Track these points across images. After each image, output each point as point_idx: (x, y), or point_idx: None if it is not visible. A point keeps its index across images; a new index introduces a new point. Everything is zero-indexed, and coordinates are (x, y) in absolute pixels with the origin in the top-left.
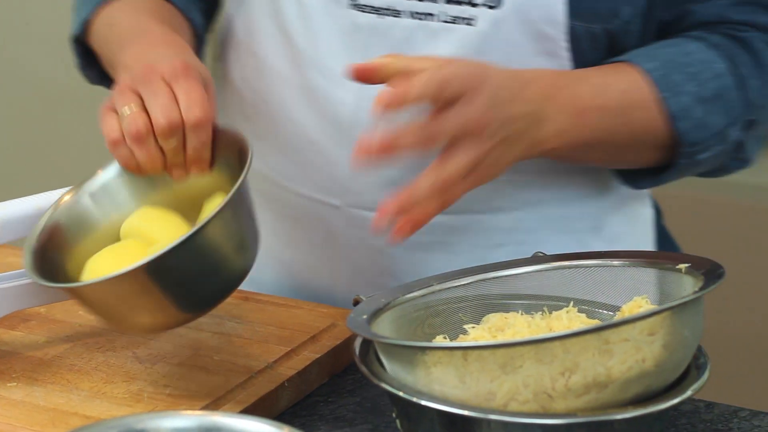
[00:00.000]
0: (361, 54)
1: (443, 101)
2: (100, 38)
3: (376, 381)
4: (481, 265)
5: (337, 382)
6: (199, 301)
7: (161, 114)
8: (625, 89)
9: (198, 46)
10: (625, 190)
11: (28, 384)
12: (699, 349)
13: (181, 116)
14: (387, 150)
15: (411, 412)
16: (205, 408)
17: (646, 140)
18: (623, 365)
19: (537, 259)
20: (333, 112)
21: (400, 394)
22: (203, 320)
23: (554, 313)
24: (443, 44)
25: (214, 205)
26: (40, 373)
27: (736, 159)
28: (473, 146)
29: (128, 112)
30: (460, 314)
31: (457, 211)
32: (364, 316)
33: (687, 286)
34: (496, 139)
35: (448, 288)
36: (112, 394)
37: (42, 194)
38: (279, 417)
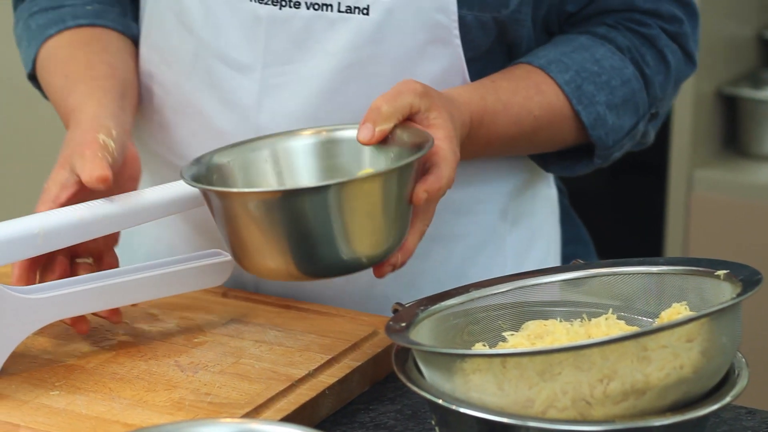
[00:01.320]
0: (262, 44)
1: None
2: (43, 83)
3: (414, 389)
4: (521, 273)
5: (378, 390)
6: (310, 262)
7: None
8: (539, 116)
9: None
10: (529, 173)
11: (70, 392)
12: (737, 355)
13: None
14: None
15: (450, 419)
16: (246, 416)
17: (560, 143)
18: (661, 372)
19: (576, 266)
20: (237, 101)
21: (439, 401)
22: (245, 328)
23: (593, 320)
24: (340, 34)
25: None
26: (83, 381)
27: (638, 144)
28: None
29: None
30: (500, 321)
31: None
32: (403, 324)
33: (725, 292)
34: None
35: (487, 295)
36: (153, 403)
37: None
38: (320, 425)
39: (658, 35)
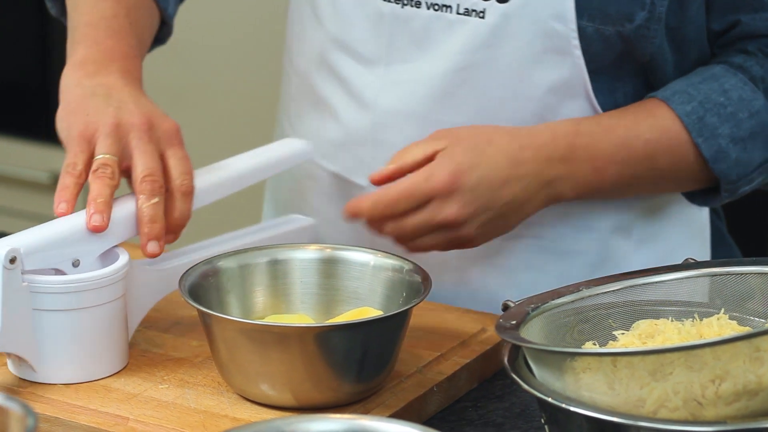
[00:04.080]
0: (386, 40)
1: (414, 205)
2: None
3: (525, 387)
4: (632, 271)
5: (486, 387)
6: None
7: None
8: (650, 138)
9: (161, 33)
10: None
11: (179, 386)
12: None
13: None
14: (371, 225)
15: (560, 418)
16: (355, 412)
17: (680, 178)
18: None
19: (688, 265)
20: (359, 94)
21: (549, 400)
22: None
23: (705, 320)
24: (457, 36)
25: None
26: (191, 375)
27: None
28: (442, 236)
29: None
30: (610, 320)
31: None
32: (513, 322)
33: None
34: (474, 226)
35: (598, 294)
36: None
37: None
38: (428, 421)
39: None
